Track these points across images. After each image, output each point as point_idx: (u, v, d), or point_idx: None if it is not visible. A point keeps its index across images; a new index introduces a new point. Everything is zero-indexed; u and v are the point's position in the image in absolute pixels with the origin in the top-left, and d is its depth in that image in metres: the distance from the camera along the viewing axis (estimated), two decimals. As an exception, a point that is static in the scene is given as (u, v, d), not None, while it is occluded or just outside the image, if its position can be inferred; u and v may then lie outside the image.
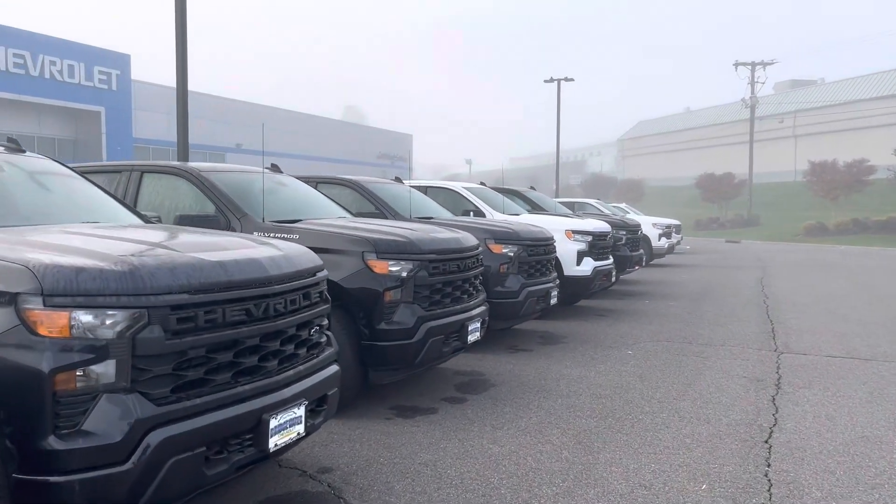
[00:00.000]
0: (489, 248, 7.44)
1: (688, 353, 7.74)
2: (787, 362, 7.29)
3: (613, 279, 11.04)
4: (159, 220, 4.69)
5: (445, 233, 5.89)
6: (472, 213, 9.86)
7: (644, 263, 14.95)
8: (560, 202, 17.85)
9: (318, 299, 3.66)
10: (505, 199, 11.03)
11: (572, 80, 41.74)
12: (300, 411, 3.29)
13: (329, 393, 3.65)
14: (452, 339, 5.55)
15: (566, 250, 9.84)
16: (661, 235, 20.12)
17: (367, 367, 5.14)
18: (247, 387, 3.02)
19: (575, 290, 10.09)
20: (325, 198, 6.94)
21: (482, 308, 6.09)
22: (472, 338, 5.77)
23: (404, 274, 5.13)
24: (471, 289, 5.91)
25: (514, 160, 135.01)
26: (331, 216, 6.26)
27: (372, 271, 5.06)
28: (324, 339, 3.77)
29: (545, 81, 42.11)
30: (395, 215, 7.89)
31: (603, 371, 6.77)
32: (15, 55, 28.16)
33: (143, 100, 36.35)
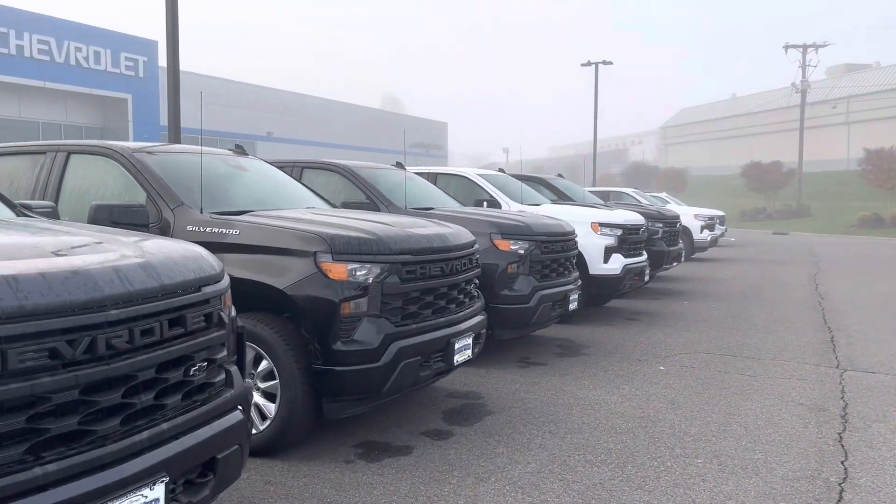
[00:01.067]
0: (495, 245, 6.34)
1: (731, 369, 6.53)
2: (853, 383, 6.05)
3: (647, 278, 9.83)
4: (52, 212, 3.70)
5: (430, 227, 4.79)
6: (485, 204, 8.75)
7: (683, 259, 13.62)
8: (593, 191, 16.62)
9: (204, 324, 2.61)
10: (525, 187, 9.87)
11: (610, 63, 40.06)
12: (156, 493, 2.26)
13: (220, 455, 2.62)
14: (434, 359, 4.47)
15: (592, 245, 8.68)
16: (703, 227, 18.67)
17: (322, 396, 4.10)
18: (62, 463, 2.00)
19: (602, 290, 8.93)
20: (299, 185, 5.92)
21: (477, 319, 4.99)
22: (460, 357, 4.68)
23: (369, 280, 4.06)
24: (461, 296, 4.81)
25: (554, 149, 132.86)
26: (297, 206, 5.23)
27: (326, 277, 4.00)
28: (220, 377, 2.74)
29: (582, 65, 40.50)
30: (389, 206, 6.84)
31: (627, 394, 5.63)
32: (40, 41, 27.70)
33: (172, 87, 35.74)
